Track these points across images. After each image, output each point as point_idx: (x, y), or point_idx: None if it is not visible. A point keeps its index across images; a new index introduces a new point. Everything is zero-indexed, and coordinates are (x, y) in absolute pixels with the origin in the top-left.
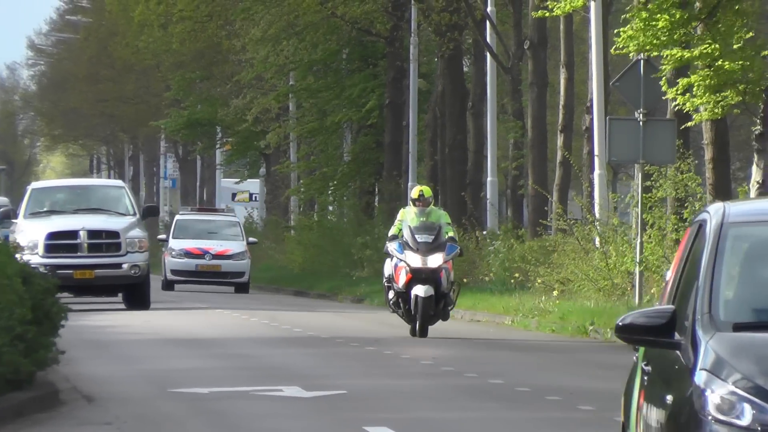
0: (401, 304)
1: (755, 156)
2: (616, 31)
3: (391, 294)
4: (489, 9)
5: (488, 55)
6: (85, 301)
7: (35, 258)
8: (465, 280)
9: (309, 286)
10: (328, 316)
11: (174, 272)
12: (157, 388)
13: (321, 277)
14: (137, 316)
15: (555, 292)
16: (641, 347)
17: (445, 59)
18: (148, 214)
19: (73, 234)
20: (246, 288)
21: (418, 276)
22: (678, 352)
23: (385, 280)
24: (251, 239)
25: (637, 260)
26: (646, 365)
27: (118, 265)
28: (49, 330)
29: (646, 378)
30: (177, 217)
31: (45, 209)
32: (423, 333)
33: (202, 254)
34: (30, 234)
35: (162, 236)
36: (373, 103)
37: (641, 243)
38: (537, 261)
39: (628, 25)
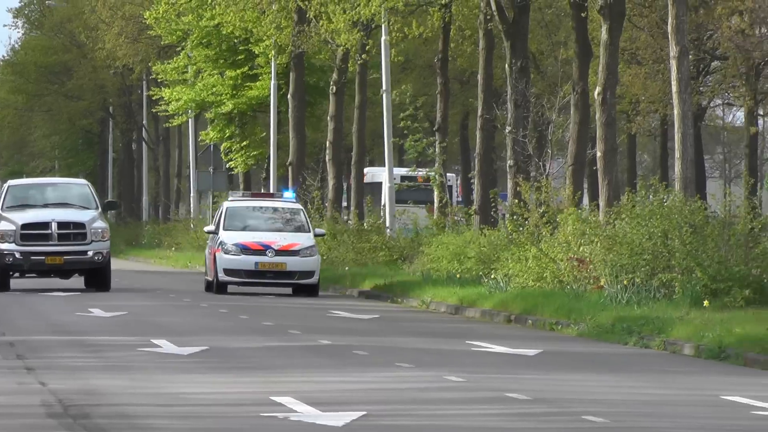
0: None
1: None
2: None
3: None
4: (144, 122)
5: (144, 142)
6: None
7: (12, 245)
8: None
9: None
10: None
11: (228, 272)
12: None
13: None
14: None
15: None
16: None
17: (124, 144)
18: (108, 208)
19: (45, 225)
20: (315, 290)
21: None
22: None
23: None
24: (318, 230)
25: None
26: None
27: (84, 252)
28: None
29: None
30: (226, 203)
31: (20, 204)
32: None
33: (263, 249)
34: (7, 224)
35: (209, 227)
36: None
37: None
38: None
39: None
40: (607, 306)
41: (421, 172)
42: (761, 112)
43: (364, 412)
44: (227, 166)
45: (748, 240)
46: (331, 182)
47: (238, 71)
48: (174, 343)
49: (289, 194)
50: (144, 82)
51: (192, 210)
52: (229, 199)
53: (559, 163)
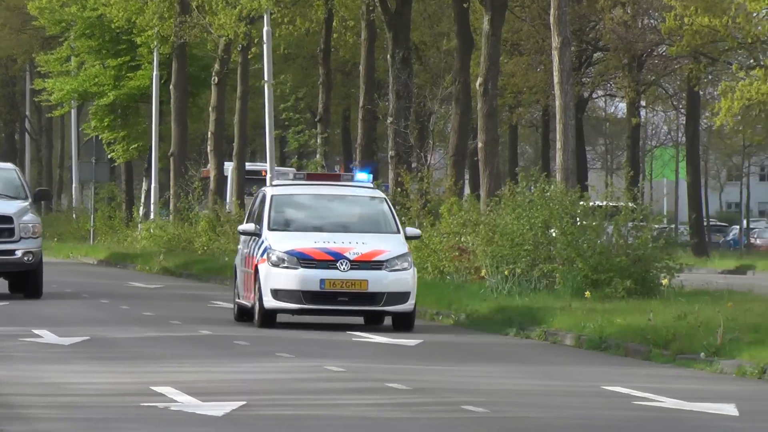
0: None
1: None
2: None
3: None
4: (27, 113)
5: (27, 133)
6: None
7: None
8: None
9: None
10: None
11: (279, 294)
12: None
13: None
14: None
15: None
16: None
17: (6, 135)
18: (41, 198)
19: None
20: (410, 322)
21: None
22: None
23: None
24: (411, 230)
25: None
26: None
27: (12, 252)
28: None
29: None
30: (270, 190)
31: None
32: None
33: (333, 260)
34: None
35: (245, 226)
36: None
37: None
38: None
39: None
40: (488, 296)
41: (265, 166)
42: (643, 104)
43: (244, 402)
44: (109, 157)
45: (629, 231)
46: (212, 173)
47: (120, 60)
48: (55, 333)
49: (364, 176)
50: (27, 72)
51: (74, 201)
52: (274, 183)
53: (441, 153)
